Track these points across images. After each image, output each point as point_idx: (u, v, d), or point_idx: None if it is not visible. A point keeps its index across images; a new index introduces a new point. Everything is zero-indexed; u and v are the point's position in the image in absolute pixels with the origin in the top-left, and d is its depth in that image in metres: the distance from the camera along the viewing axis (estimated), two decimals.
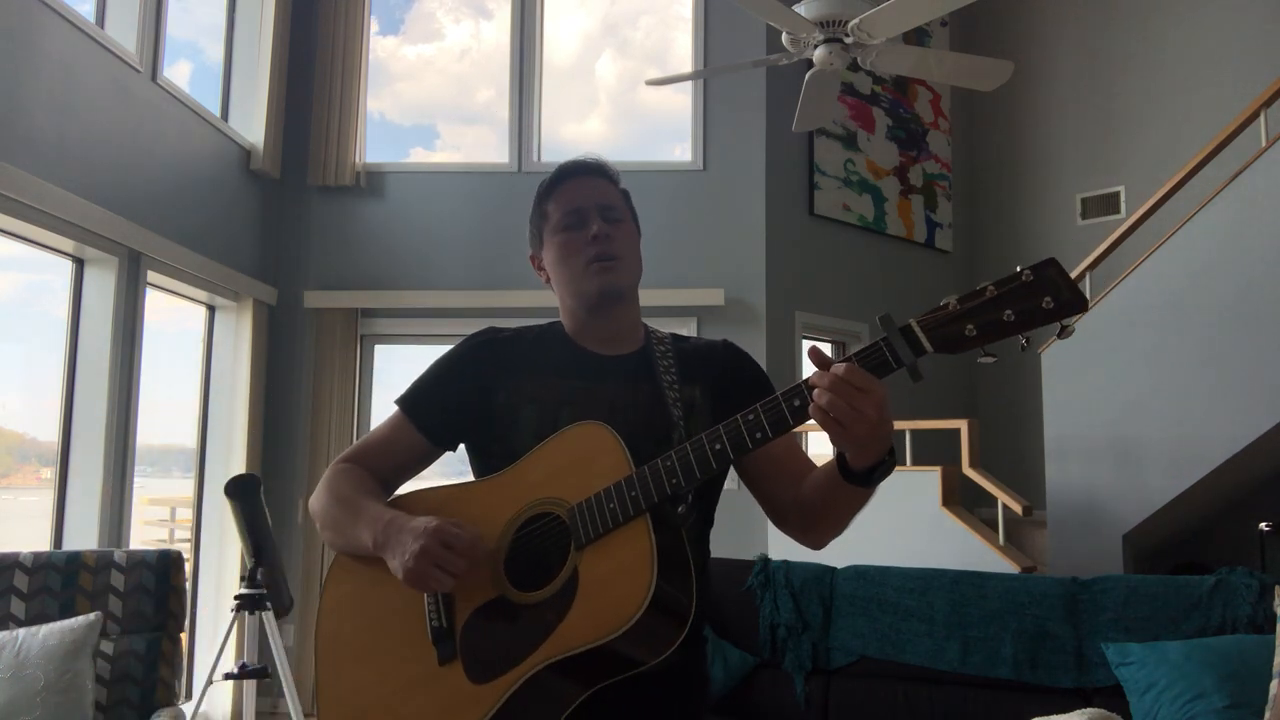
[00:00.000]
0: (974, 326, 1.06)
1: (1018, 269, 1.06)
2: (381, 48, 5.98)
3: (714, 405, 1.38)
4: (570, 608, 1.16)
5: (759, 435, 1.14)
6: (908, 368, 1.07)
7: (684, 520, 1.23)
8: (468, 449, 1.45)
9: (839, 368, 1.07)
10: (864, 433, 1.07)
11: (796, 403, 1.12)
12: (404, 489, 1.44)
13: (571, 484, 1.23)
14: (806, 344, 5.47)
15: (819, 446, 5.14)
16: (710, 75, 5.22)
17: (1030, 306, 1.04)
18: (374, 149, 5.60)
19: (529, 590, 1.21)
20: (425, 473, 1.51)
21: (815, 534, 1.33)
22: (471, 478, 1.42)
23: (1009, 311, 1.04)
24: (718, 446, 1.16)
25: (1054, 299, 1.03)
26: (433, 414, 1.42)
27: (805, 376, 1.12)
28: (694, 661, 1.35)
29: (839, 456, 1.18)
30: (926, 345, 1.07)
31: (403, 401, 1.44)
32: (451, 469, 1.78)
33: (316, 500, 1.40)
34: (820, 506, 1.27)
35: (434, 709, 1.22)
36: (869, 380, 1.06)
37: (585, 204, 1.39)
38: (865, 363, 1.09)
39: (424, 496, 1.36)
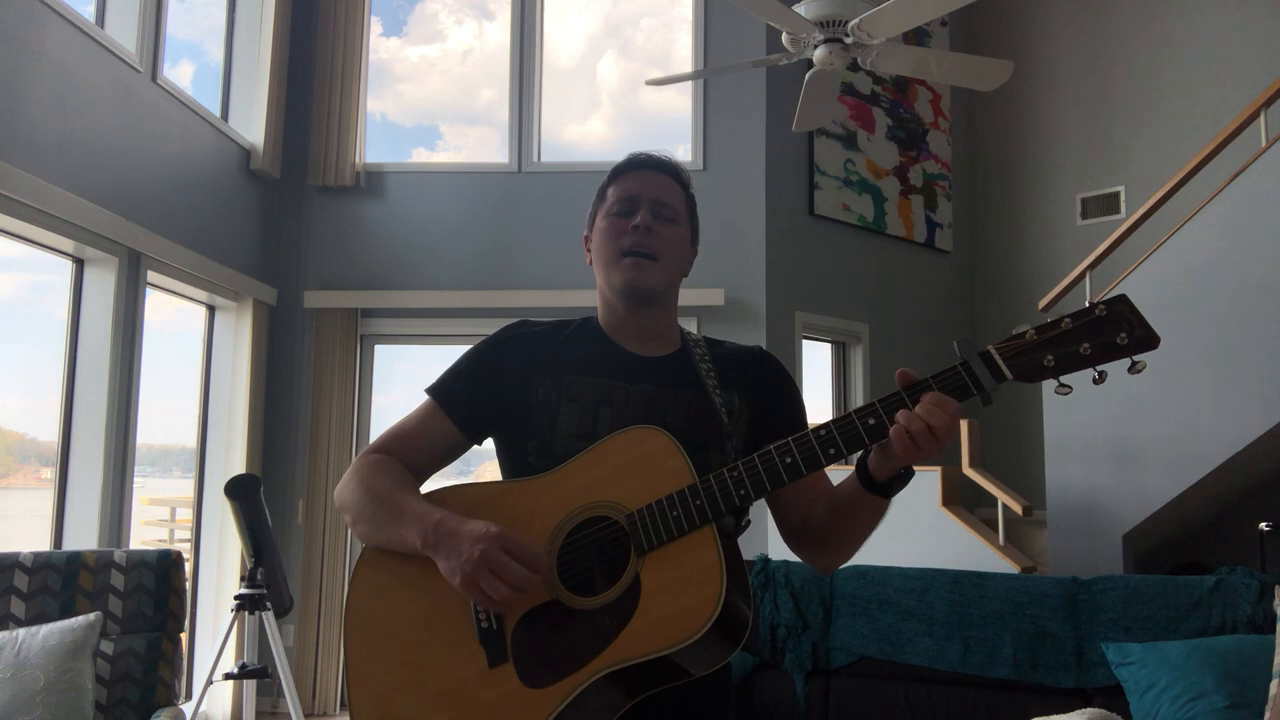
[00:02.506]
0: (1053, 358, 1.10)
1: (1089, 303, 1.11)
2: (384, 49, 5.98)
3: (751, 413, 1.38)
4: (633, 615, 1.13)
5: (831, 451, 1.15)
6: (985, 394, 1.11)
7: (742, 531, 1.24)
8: (497, 443, 1.42)
9: (933, 397, 1.10)
10: (933, 455, 1.11)
11: (871, 422, 1.13)
12: (429, 484, 1.42)
13: (628, 489, 1.20)
14: (807, 344, 5.47)
15: None
16: (710, 75, 5.22)
17: (1106, 341, 1.08)
18: (376, 150, 5.60)
19: (582, 595, 1.19)
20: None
21: (829, 553, 1.34)
22: (498, 473, 1.39)
23: (1086, 345, 1.09)
24: (789, 460, 1.16)
25: (1128, 335, 1.08)
26: (465, 403, 1.39)
27: (878, 396, 1.14)
28: (725, 668, 1.35)
29: (860, 469, 1.20)
30: (1007, 373, 1.11)
31: (434, 390, 1.41)
32: (454, 468, 1.77)
33: (348, 491, 1.34)
34: (839, 521, 1.28)
35: (484, 711, 1.18)
36: (958, 409, 1.11)
37: (641, 195, 1.39)
38: (945, 386, 1.11)
39: (465, 493, 1.31)
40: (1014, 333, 1.12)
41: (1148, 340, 1.08)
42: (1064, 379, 1.10)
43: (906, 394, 1.12)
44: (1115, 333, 1.08)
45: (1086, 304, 1.11)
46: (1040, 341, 1.10)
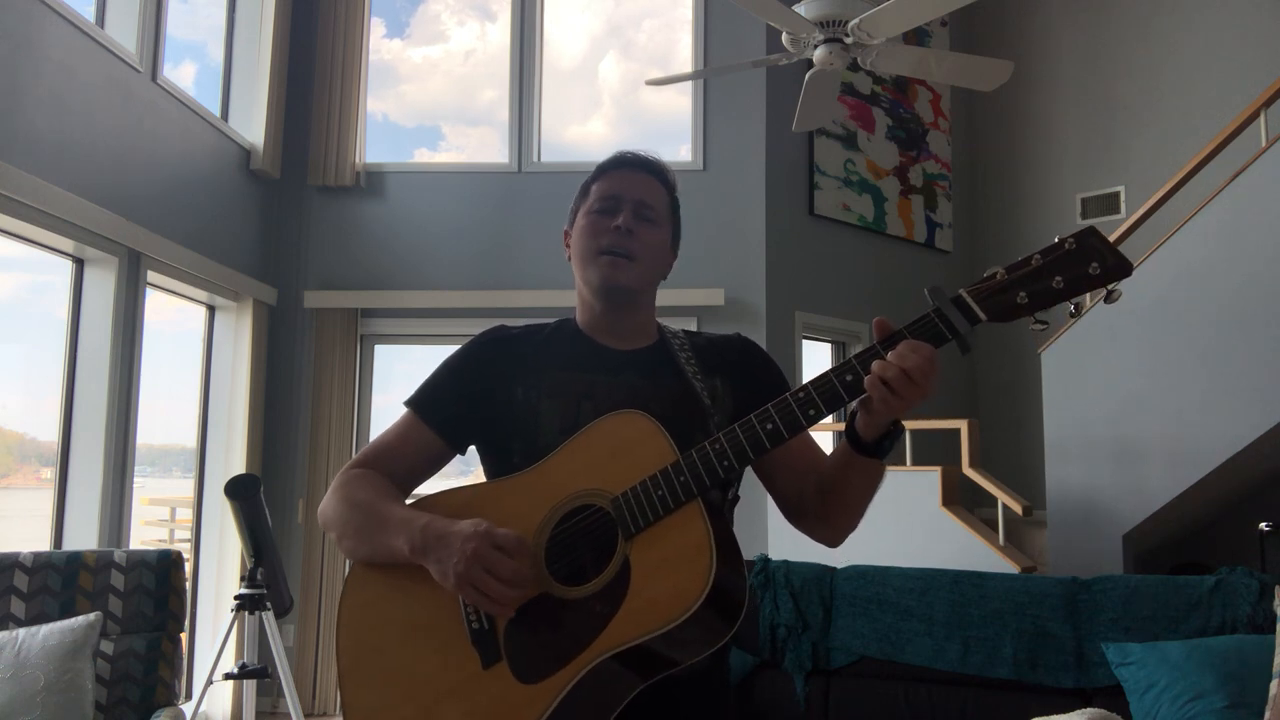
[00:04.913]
0: (1025, 294, 1.08)
1: (1057, 239, 1.09)
2: (387, 50, 5.99)
3: (735, 397, 1.37)
4: (625, 598, 1.12)
5: (812, 412, 1.13)
6: (960, 338, 1.09)
7: (732, 505, 1.23)
8: (481, 449, 1.40)
9: (905, 340, 1.09)
10: (915, 403, 1.09)
11: (849, 378, 1.12)
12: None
13: (612, 474, 1.18)
14: (807, 344, 5.47)
15: None
16: (710, 75, 5.22)
17: (1078, 273, 1.07)
18: (378, 150, 5.60)
19: (574, 585, 1.17)
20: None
21: (831, 525, 1.31)
22: (483, 479, 1.38)
23: (1058, 278, 1.07)
24: (769, 426, 1.14)
25: (1100, 265, 1.06)
26: (446, 412, 1.37)
27: (852, 354, 1.14)
28: (722, 665, 1.34)
29: (849, 432, 1.19)
30: (980, 314, 1.10)
31: (413, 402, 1.39)
32: (454, 468, 1.77)
33: (330, 508, 1.32)
34: (837, 489, 1.26)
35: (483, 713, 1.16)
36: (933, 352, 1.09)
37: (624, 194, 1.38)
38: (918, 334, 1.10)
39: (449, 497, 1.29)
40: (985, 275, 1.11)
41: (1120, 268, 1.06)
42: (1039, 315, 1.09)
43: (881, 346, 1.11)
44: (1086, 264, 1.06)
45: (1055, 240, 1.09)
46: (1012, 280, 1.09)
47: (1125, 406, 4.19)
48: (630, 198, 1.37)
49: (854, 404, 1.16)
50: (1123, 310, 4.15)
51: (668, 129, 5.93)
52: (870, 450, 1.17)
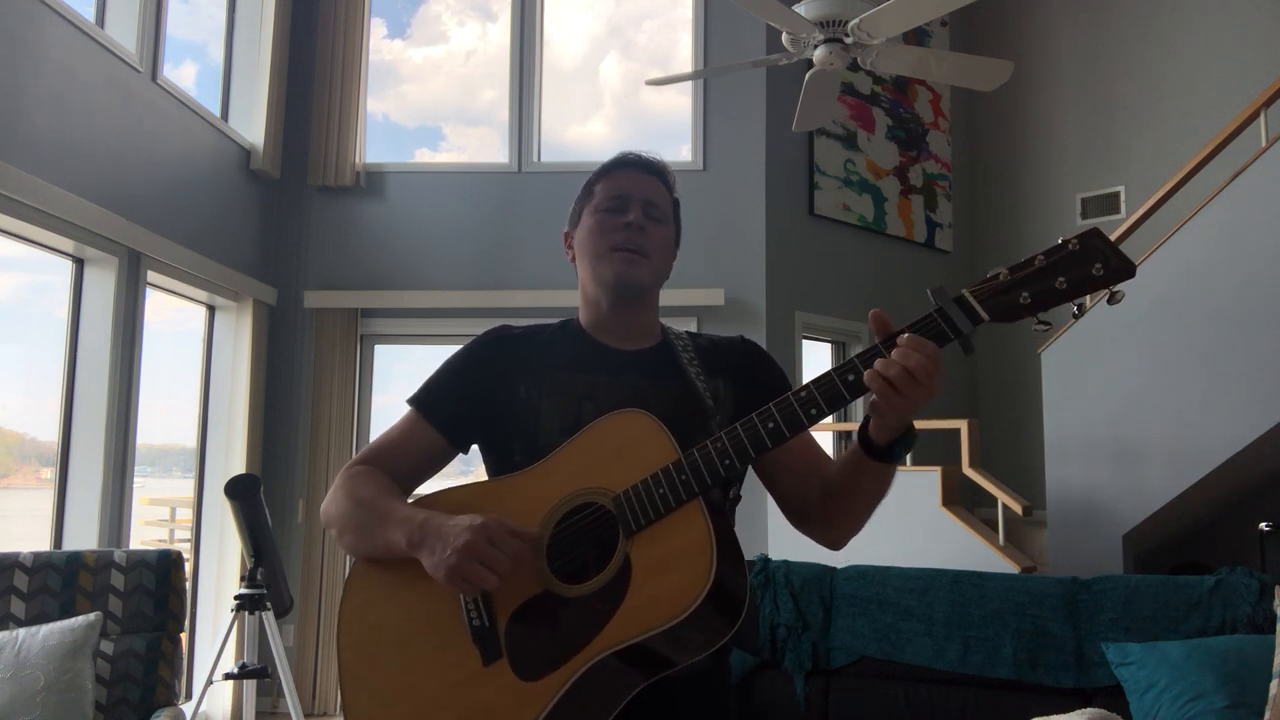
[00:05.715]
0: (1028, 294, 1.08)
1: (1061, 240, 1.09)
2: (388, 50, 5.99)
3: (737, 399, 1.37)
4: (625, 596, 1.12)
5: (813, 411, 1.13)
6: (963, 338, 1.09)
7: (734, 504, 1.22)
8: (483, 448, 1.41)
9: (908, 338, 1.08)
10: (921, 402, 1.08)
11: (851, 378, 1.11)
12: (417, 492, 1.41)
13: (614, 472, 1.19)
14: (807, 344, 5.47)
15: None
16: (710, 75, 5.22)
17: (1081, 274, 1.06)
18: (379, 150, 5.60)
19: (576, 583, 1.17)
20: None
21: (837, 527, 1.31)
22: (485, 478, 1.38)
23: (1061, 279, 1.07)
24: (771, 425, 1.14)
25: (1103, 265, 1.06)
26: (449, 411, 1.38)
27: (855, 353, 1.14)
28: (723, 665, 1.34)
29: (861, 435, 1.18)
30: (983, 314, 1.09)
31: (416, 400, 1.40)
32: (454, 468, 1.77)
33: (333, 504, 1.33)
34: (844, 493, 1.25)
35: (482, 710, 1.16)
36: (936, 350, 1.08)
37: (632, 193, 1.38)
38: (921, 334, 1.09)
39: (451, 495, 1.29)
40: (988, 275, 1.11)
41: (1123, 269, 1.06)
42: (1042, 316, 1.09)
43: (884, 345, 1.11)
44: (1090, 265, 1.06)
45: (1059, 240, 1.09)
46: (1014, 280, 1.09)
47: (1125, 406, 4.19)
48: (638, 197, 1.38)
49: (865, 407, 1.16)
50: (1122, 310, 4.14)
51: (668, 129, 5.94)
52: (881, 454, 1.17)
